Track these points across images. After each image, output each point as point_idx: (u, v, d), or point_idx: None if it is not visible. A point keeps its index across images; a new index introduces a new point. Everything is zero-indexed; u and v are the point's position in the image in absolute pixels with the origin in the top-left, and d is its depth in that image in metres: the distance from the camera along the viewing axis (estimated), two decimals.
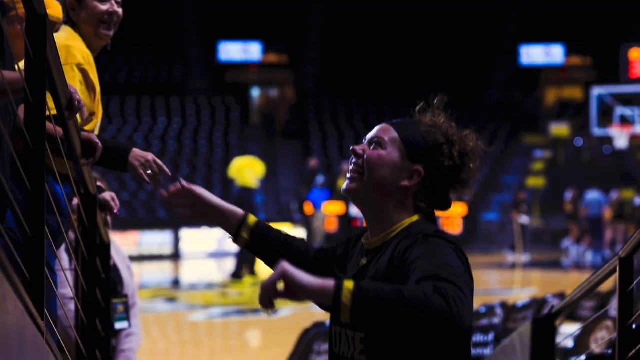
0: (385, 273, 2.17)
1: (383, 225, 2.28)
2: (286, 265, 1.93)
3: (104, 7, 3.36)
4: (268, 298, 1.93)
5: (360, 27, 31.30)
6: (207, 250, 22.01)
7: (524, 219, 20.89)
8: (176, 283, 18.16)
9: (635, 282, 2.94)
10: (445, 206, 2.33)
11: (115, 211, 3.39)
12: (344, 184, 2.33)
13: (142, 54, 30.50)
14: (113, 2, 3.43)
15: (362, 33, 31.16)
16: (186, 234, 21.92)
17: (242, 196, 17.02)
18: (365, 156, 2.32)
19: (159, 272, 19.44)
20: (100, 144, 2.81)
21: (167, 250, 21.35)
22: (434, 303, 1.87)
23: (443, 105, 2.42)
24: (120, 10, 3.46)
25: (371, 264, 2.25)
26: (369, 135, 2.39)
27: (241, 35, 31.27)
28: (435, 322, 1.88)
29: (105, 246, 3.22)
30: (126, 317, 3.88)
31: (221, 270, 20.34)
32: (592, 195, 20.38)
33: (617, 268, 2.90)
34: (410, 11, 31.07)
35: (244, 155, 19.99)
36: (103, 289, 3.10)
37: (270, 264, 2.39)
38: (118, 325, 3.82)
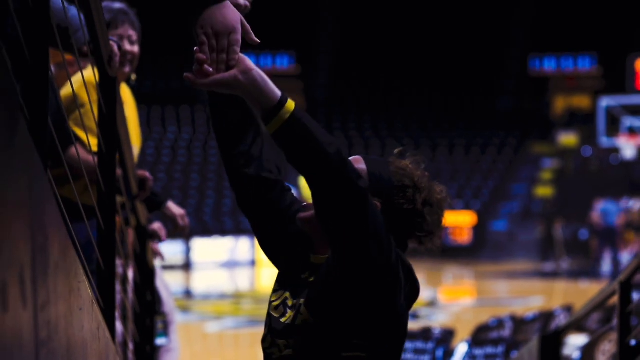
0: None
1: (322, 244, 2.21)
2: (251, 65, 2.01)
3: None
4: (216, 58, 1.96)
5: (370, 37, 31.57)
6: (218, 260, 22.27)
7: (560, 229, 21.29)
8: (188, 293, 18.36)
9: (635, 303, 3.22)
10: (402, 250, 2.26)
11: (163, 240, 3.68)
12: (301, 214, 2.21)
13: (153, 63, 30.82)
14: (126, 41, 3.69)
15: (372, 43, 31.43)
16: (197, 244, 22.18)
17: None
18: None
19: (170, 283, 19.68)
20: (151, 179, 3.10)
21: (179, 260, 21.57)
22: (350, 171, 1.96)
23: (422, 161, 2.30)
24: (135, 49, 3.71)
25: (310, 281, 2.19)
26: None
27: (252, 45, 31.53)
28: (342, 183, 1.94)
29: (152, 271, 3.52)
30: (165, 333, 4.19)
31: (233, 280, 20.60)
32: (606, 205, 20.59)
33: (618, 291, 3.19)
34: (420, 21, 31.35)
35: None
36: (150, 309, 3.40)
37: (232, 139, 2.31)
38: (158, 342, 4.10)
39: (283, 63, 32.21)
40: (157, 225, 3.64)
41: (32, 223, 1.36)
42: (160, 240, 3.63)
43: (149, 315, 3.34)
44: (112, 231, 2.26)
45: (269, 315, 2.23)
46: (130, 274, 3.23)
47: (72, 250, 1.68)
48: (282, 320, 2.17)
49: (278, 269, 2.31)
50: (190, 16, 1.97)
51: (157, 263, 3.88)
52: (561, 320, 7.29)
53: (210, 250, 22.39)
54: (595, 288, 12.37)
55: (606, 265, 20.09)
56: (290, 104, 2.00)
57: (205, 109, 29.29)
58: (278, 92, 2.01)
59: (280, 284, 2.26)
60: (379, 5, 31.88)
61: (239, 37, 2.09)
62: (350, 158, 2.19)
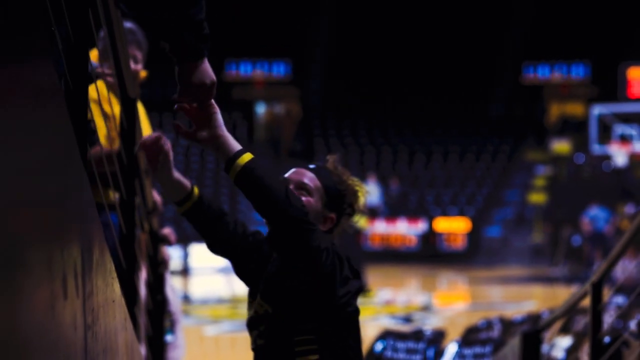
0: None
1: None
2: (218, 115, 2.41)
3: None
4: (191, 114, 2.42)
5: (365, 45, 31.87)
6: (216, 266, 22.50)
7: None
8: (186, 298, 18.58)
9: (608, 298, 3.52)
10: None
11: (173, 243, 3.98)
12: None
13: (150, 70, 31.05)
14: (130, 60, 3.95)
15: (367, 51, 31.72)
16: (195, 249, 22.40)
17: None
18: None
19: None
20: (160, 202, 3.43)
21: (177, 265, 21.76)
22: (299, 208, 2.32)
23: (341, 160, 2.73)
24: (139, 68, 3.97)
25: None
26: (295, 179, 2.62)
27: (247, 53, 31.85)
28: (295, 217, 2.30)
29: (162, 273, 3.82)
30: (172, 331, 4.49)
31: (230, 285, 20.84)
32: (596, 211, 20.88)
33: (590, 291, 3.49)
34: (415, 29, 31.66)
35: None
36: (161, 308, 3.69)
37: (206, 234, 2.67)
38: (165, 339, 4.40)
39: (279, 71, 32.49)
40: (167, 230, 3.93)
41: (80, 228, 1.66)
42: (170, 244, 3.93)
43: (160, 313, 3.63)
44: (132, 235, 2.55)
45: (247, 320, 2.60)
46: (143, 274, 3.52)
47: (107, 250, 1.97)
48: (250, 315, 2.54)
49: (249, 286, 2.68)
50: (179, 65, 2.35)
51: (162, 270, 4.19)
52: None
53: (207, 255, 22.56)
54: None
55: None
56: (245, 157, 2.35)
57: None
58: (237, 147, 2.37)
59: (251, 294, 2.63)
60: (374, 14, 32.19)
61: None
62: (299, 170, 2.62)
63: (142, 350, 3.05)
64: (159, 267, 3.71)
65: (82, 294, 1.64)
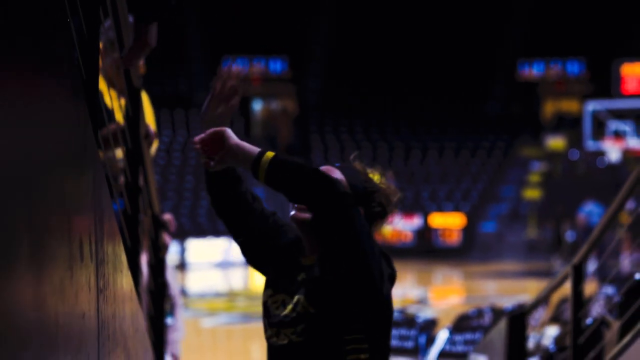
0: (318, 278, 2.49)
1: (312, 243, 2.54)
2: (227, 129, 2.36)
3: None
4: (207, 148, 2.38)
5: (362, 42, 32.02)
6: (213, 261, 22.68)
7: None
8: (183, 292, 18.75)
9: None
10: None
11: (172, 230, 4.14)
12: (292, 211, 2.54)
13: (147, 67, 31.16)
14: None
15: (364, 48, 31.88)
16: (192, 244, 22.59)
17: None
18: None
19: None
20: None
21: (174, 260, 21.95)
22: (333, 182, 2.31)
23: (368, 163, 2.69)
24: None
25: (306, 279, 2.52)
26: None
27: (245, 49, 31.99)
28: (329, 194, 2.29)
29: (163, 257, 3.99)
30: (172, 314, 4.67)
31: (227, 279, 21.02)
32: (590, 207, 21.04)
33: (571, 273, 3.66)
34: (411, 27, 31.81)
35: None
36: (162, 290, 3.87)
37: (226, 200, 2.65)
38: (165, 321, 4.57)
39: (276, 68, 32.63)
40: (167, 216, 4.10)
41: (94, 201, 1.83)
42: (170, 230, 4.09)
43: (161, 295, 3.81)
44: (136, 217, 2.73)
45: (267, 313, 2.60)
46: (145, 258, 3.70)
47: (116, 224, 2.14)
48: (283, 313, 2.51)
49: (267, 276, 2.67)
50: None
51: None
52: (538, 311, 7.75)
53: (204, 250, 22.80)
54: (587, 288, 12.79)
55: (591, 265, 20.55)
56: (269, 154, 2.34)
57: (199, 112, 29.69)
58: (256, 149, 2.36)
59: (275, 289, 2.59)
60: (372, 11, 32.35)
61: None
62: (322, 168, 2.54)
63: (145, 327, 3.22)
64: (161, 250, 3.88)
65: (95, 259, 1.81)
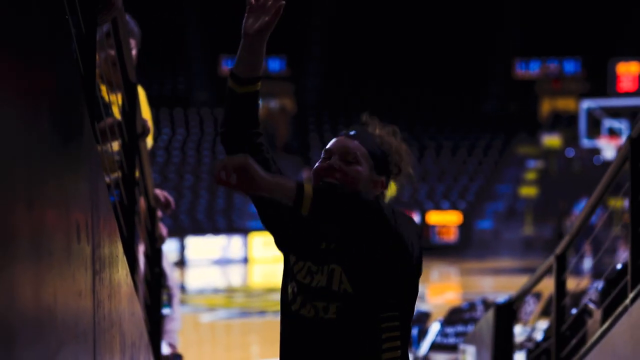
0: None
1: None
2: (250, 160, 2.20)
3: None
4: (223, 174, 2.19)
5: (360, 42, 32.14)
6: (211, 258, 22.79)
7: None
8: (182, 288, 18.87)
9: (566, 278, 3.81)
10: None
11: (172, 207, 4.21)
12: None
13: (147, 66, 31.32)
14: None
15: (361, 47, 31.99)
16: (191, 242, 22.71)
17: None
18: (344, 171, 2.46)
19: None
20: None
21: (173, 257, 22.05)
22: (372, 200, 2.29)
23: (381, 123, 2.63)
24: (133, 53, 4.16)
25: (334, 248, 2.46)
26: (340, 150, 2.50)
27: None
28: (372, 211, 2.26)
29: (159, 247, 4.11)
30: (169, 304, 4.78)
31: (225, 276, 21.14)
32: (584, 204, 21.11)
33: (554, 263, 3.78)
34: (409, 26, 31.93)
35: None
36: (158, 280, 3.98)
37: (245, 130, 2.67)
38: (163, 311, 4.68)
39: (275, 67, 32.76)
40: (158, 191, 4.16)
41: (91, 188, 1.95)
42: (161, 206, 4.13)
43: (158, 284, 3.92)
44: (132, 203, 2.85)
45: (294, 282, 2.48)
46: (142, 248, 3.81)
47: (112, 212, 2.26)
48: (314, 284, 2.43)
49: (285, 249, 2.56)
50: None
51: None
52: (530, 304, 7.88)
53: (203, 248, 22.92)
54: (575, 283, 12.93)
55: (588, 262, 20.67)
56: (307, 186, 2.24)
57: (198, 111, 29.86)
58: (289, 181, 2.25)
59: (299, 256, 2.50)
60: (369, 11, 32.46)
61: None
62: (344, 141, 2.49)
63: (141, 313, 3.33)
64: (157, 241, 3.99)
65: (92, 242, 1.92)
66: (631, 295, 3.07)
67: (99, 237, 2.01)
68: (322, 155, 2.53)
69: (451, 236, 24.38)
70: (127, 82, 2.91)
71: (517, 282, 19.02)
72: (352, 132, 2.56)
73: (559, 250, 3.77)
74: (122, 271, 2.40)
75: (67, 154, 1.74)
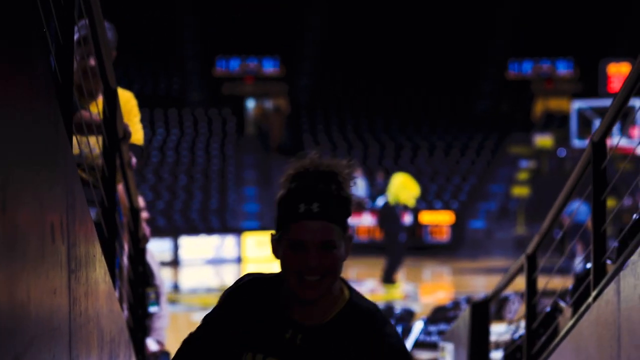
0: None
1: (322, 303, 2.28)
2: None
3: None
4: None
5: (353, 42, 32.25)
6: (205, 257, 22.90)
7: None
8: (176, 288, 18.97)
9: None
10: None
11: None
12: (304, 294, 2.23)
13: (141, 66, 31.41)
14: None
15: (355, 47, 32.11)
16: (185, 241, 22.82)
17: (389, 211, 17.64)
18: (325, 267, 2.24)
19: None
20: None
21: (167, 257, 22.14)
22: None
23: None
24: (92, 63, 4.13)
25: (311, 345, 2.26)
26: (315, 242, 2.24)
27: (238, 49, 32.21)
28: None
29: (143, 247, 4.23)
30: (157, 302, 4.91)
31: (219, 276, 21.25)
32: (575, 204, 21.23)
33: (525, 263, 3.91)
34: (402, 26, 32.05)
35: (401, 173, 19.60)
36: (141, 279, 4.10)
37: None
38: (151, 309, 4.81)
39: (268, 66, 32.86)
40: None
41: (66, 188, 2.06)
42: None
43: (140, 283, 4.04)
44: (113, 204, 2.96)
45: None
46: (125, 248, 3.93)
47: (88, 212, 2.38)
48: None
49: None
50: None
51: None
52: (515, 303, 8.01)
53: (197, 247, 23.02)
54: (567, 282, 13.07)
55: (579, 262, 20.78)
56: None
57: (192, 112, 29.95)
58: None
59: (256, 350, 2.29)
60: (363, 12, 32.58)
61: None
62: (316, 226, 2.20)
63: (125, 312, 3.45)
64: (140, 241, 4.11)
65: (67, 242, 2.04)
66: (594, 294, 3.19)
67: (74, 237, 2.12)
68: (288, 245, 2.25)
69: (443, 236, 24.50)
70: (107, 88, 3.02)
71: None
72: (315, 211, 2.24)
73: (529, 250, 3.90)
74: (99, 270, 2.51)
75: (42, 157, 1.85)
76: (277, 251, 2.29)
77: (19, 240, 1.62)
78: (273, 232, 2.30)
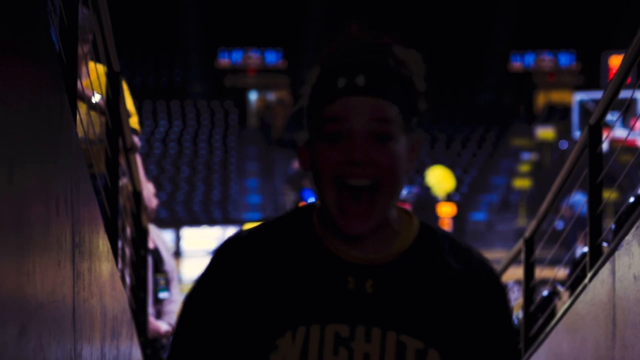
0: (439, 307, 1.57)
1: (382, 232, 1.57)
2: None
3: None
4: None
5: None
6: (207, 249, 22.96)
7: None
8: (178, 279, 19.01)
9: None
10: None
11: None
12: (348, 225, 1.52)
13: (143, 58, 31.46)
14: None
15: None
16: (187, 232, 22.89)
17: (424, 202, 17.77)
18: (377, 163, 1.54)
19: None
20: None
21: (169, 248, 22.19)
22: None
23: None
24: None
25: (389, 288, 1.54)
26: (363, 123, 1.56)
27: (240, 40, 32.25)
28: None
29: (145, 230, 4.28)
30: (167, 288, 4.98)
31: None
32: (577, 196, 21.26)
33: (523, 246, 3.95)
34: (404, 18, 32.06)
35: (439, 165, 19.47)
36: (143, 262, 4.16)
37: None
38: (161, 295, 4.91)
39: (271, 59, 32.89)
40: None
41: (70, 164, 2.11)
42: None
43: (142, 266, 4.09)
44: (116, 189, 3.01)
45: None
46: (128, 232, 3.98)
47: (91, 188, 2.42)
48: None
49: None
50: None
51: (152, 225, 4.67)
52: (515, 292, 8.03)
53: (199, 238, 23.09)
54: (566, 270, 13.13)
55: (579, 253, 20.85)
56: None
57: (194, 103, 30.01)
58: None
59: (308, 320, 1.51)
60: (365, 3, 32.59)
61: None
62: (364, 101, 1.60)
63: (126, 291, 3.50)
64: (142, 224, 4.16)
65: (71, 217, 2.09)
66: (589, 275, 3.24)
67: (78, 213, 2.17)
68: (322, 139, 1.60)
69: (445, 228, 24.52)
70: (111, 71, 3.07)
71: (511, 273, 19.23)
72: (360, 85, 1.60)
73: (527, 234, 3.95)
74: (102, 247, 2.56)
75: (46, 130, 1.90)
76: (306, 162, 1.62)
77: (25, 211, 1.67)
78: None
